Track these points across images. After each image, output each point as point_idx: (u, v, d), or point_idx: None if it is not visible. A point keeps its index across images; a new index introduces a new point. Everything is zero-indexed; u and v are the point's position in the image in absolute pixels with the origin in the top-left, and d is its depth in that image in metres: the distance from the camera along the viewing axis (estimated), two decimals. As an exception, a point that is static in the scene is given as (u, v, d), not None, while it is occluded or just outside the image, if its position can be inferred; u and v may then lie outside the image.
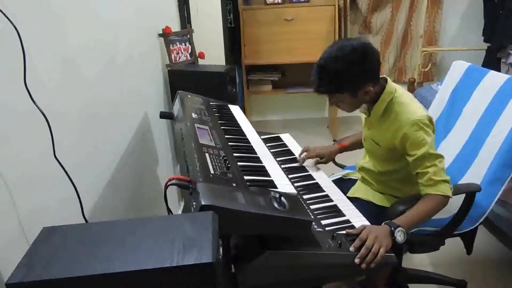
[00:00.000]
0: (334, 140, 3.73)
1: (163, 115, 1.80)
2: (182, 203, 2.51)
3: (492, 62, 3.49)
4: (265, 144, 1.63)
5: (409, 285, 1.78)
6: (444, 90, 1.88)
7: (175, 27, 2.46)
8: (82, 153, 1.15)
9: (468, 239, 1.55)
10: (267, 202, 0.98)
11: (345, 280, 1.82)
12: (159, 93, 2.16)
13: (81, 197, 0.99)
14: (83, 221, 1.01)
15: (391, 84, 1.39)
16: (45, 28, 0.99)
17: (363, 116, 1.54)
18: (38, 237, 0.74)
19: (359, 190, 1.58)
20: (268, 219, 0.93)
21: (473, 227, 1.48)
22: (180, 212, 2.43)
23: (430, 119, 1.32)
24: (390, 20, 3.77)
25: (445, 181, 1.28)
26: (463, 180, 1.62)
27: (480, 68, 1.77)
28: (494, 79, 1.65)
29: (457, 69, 1.84)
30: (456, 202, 1.40)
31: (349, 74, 1.27)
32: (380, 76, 1.37)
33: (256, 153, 1.37)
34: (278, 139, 1.85)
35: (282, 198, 1.00)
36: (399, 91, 1.39)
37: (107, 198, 1.31)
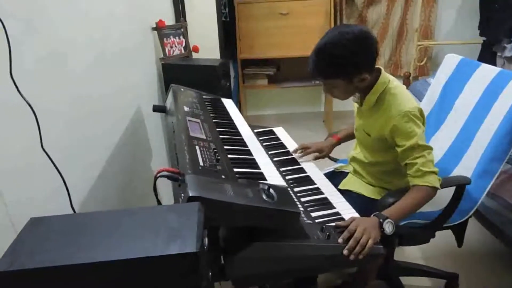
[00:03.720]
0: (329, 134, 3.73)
1: (156, 109, 1.80)
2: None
3: (487, 56, 3.49)
4: (258, 138, 1.64)
5: (400, 278, 1.80)
6: (436, 84, 1.88)
7: (169, 20, 2.45)
8: (71, 145, 1.15)
9: (459, 231, 1.56)
10: (256, 194, 0.98)
11: (335, 271, 1.83)
12: (153, 86, 2.16)
13: (71, 188, 1.00)
14: (71, 212, 1.02)
15: (385, 75, 1.39)
16: (33, 20, 0.99)
17: (356, 105, 1.55)
18: (25, 227, 0.74)
19: (350, 183, 1.59)
20: (256, 211, 0.94)
21: (463, 219, 1.49)
22: (172, 203, 2.43)
23: (420, 111, 1.33)
24: (385, 14, 3.77)
25: (433, 172, 1.28)
26: (454, 173, 1.63)
27: (472, 61, 1.77)
28: (485, 73, 1.65)
29: (449, 62, 1.85)
30: (446, 195, 1.41)
31: (348, 60, 1.27)
32: (376, 67, 1.37)
33: (247, 146, 1.38)
34: (271, 132, 1.86)
35: (271, 190, 1.01)
36: (393, 82, 1.39)
37: (99, 190, 1.32)
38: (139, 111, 1.88)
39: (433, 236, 1.50)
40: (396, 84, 1.40)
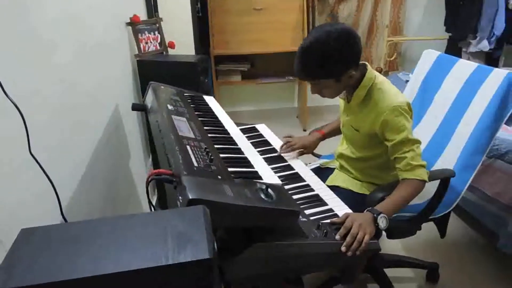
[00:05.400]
0: (304, 130, 3.75)
1: (135, 107, 1.74)
2: (155, 197, 2.45)
3: (453, 51, 3.62)
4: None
5: (384, 270, 1.83)
6: (415, 79, 1.92)
7: (142, 15, 2.36)
8: (54, 148, 1.08)
9: (442, 223, 1.60)
10: (254, 194, 0.96)
11: (331, 269, 1.83)
12: (129, 84, 2.08)
13: (52, 193, 0.93)
14: (60, 221, 0.96)
15: (371, 70, 1.40)
16: (11, 14, 0.92)
17: (342, 102, 1.55)
18: (17, 240, 0.69)
19: (338, 179, 1.59)
20: (257, 211, 0.92)
21: (447, 211, 1.53)
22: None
23: (409, 105, 1.35)
24: (356, 10, 3.82)
25: (422, 165, 1.31)
26: (436, 166, 1.67)
27: (450, 56, 1.81)
28: (463, 68, 1.70)
29: (428, 58, 1.89)
30: (430, 188, 1.44)
31: (336, 59, 1.27)
32: (360, 62, 1.38)
33: (237, 144, 1.35)
34: (254, 129, 1.84)
35: (269, 190, 0.99)
36: (379, 78, 1.41)
37: (82, 194, 1.25)
38: (117, 110, 1.81)
39: (420, 228, 1.53)
40: (382, 79, 1.41)
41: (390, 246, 2.09)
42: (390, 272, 1.84)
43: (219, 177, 1.00)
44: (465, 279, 1.90)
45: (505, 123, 1.52)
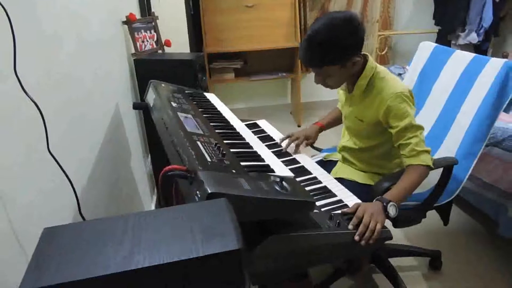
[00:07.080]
0: (298, 126, 3.77)
1: (136, 106, 1.73)
2: (155, 197, 2.44)
3: (443, 44, 3.64)
4: (247, 131, 1.61)
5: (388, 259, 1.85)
6: (412, 71, 1.95)
7: (136, 15, 2.34)
8: (61, 146, 1.07)
9: (445, 210, 1.63)
10: (270, 186, 0.97)
11: (342, 259, 1.84)
12: (126, 83, 2.06)
13: (65, 191, 0.92)
14: (73, 219, 0.95)
15: (372, 60, 1.42)
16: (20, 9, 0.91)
17: (342, 94, 1.56)
18: (42, 239, 0.68)
19: (341, 171, 1.61)
20: (275, 203, 0.92)
21: (450, 199, 1.55)
22: (153, 204, 2.37)
23: (410, 92, 1.38)
24: (347, 5, 3.85)
25: (426, 151, 1.33)
26: (436, 156, 1.69)
27: (447, 48, 1.84)
28: (460, 58, 1.73)
29: (424, 49, 1.91)
30: (432, 176, 1.46)
31: (341, 43, 1.29)
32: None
33: (244, 139, 1.35)
34: (256, 125, 1.84)
35: (283, 182, 0.99)
36: (379, 67, 1.43)
37: (89, 193, 1.24)
38: (117, 109, 1.80)
39: (425, 216, 1.55)
40: (382, 68, 1.44)
41: (393, 235, 2.12)
42: (393, 261, 1.87)
43: (233, 171, 1.01)
44: (467, 265, 1.94)
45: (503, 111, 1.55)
